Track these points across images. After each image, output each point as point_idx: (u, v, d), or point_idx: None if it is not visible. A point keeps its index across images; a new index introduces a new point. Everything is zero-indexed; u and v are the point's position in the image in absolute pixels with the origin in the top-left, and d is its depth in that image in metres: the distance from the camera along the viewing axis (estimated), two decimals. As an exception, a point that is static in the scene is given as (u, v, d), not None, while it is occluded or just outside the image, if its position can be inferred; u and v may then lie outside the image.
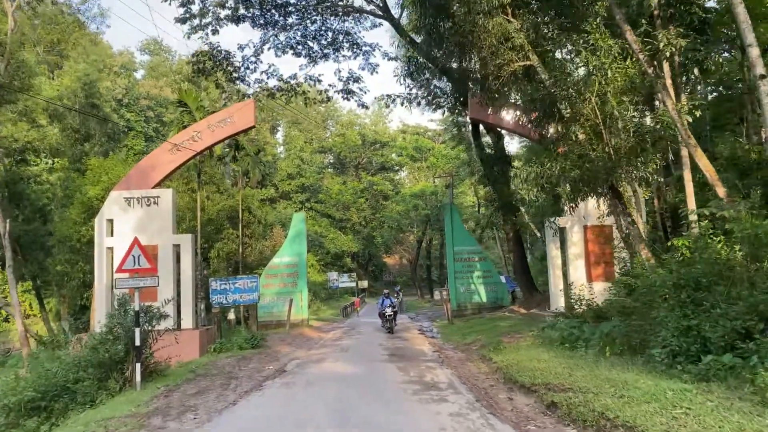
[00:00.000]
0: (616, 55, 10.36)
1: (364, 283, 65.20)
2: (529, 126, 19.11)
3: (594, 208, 19.02)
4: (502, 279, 28.93)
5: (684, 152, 13.25)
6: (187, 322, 19.08)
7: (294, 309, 27.16)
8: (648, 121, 11.73)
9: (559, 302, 18.77)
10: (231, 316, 29.88)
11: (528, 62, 12.00)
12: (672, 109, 11.39)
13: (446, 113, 30.92)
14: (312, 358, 14.89)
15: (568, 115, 11.56)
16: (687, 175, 13.43)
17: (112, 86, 60.20)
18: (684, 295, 8.28)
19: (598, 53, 10.09)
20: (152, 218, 19.27)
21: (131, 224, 19.17)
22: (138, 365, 11.33)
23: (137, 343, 11.42)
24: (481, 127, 26.30)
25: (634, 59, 11.39)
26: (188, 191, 26.37)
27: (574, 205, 13.73)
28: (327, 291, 61.20)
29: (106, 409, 9.44)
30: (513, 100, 14.95)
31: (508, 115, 19.34)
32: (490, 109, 19.36)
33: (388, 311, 21.05)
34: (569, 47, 10.40)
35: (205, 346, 18.26)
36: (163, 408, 9.03)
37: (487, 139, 28.06)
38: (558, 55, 12.69)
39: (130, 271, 11.97)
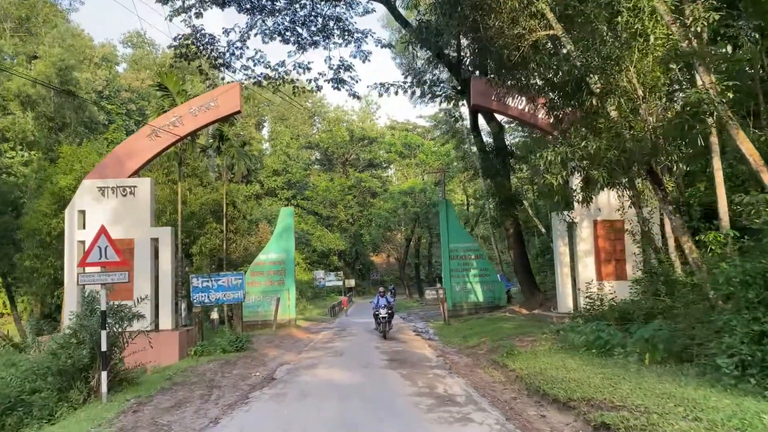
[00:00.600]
0: (659, 18, 9.06)
1: (351, 282, 63.78)
2: (539, 111, 17.93)
3: (605, 201, 17.84)
4: (498, 278, 27.68)
5: (713, 138, 12.03)
6: (165, 322, 17.59)
7: (281, 308, 25.71)
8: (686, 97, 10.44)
9: (567, 302, 17.51)
10: (214, 315, 28.57)
11: (551, 32, 10.68)
12: (710, 85, 10.13)
13: (442, 104, 29.55)
14: (303, 363, 13.47)
15: (598, 89, 10.25)
16: (716, 163, 12.14)
17: (93, 77, 58.25)
18: (752, 294, 6.99)
19: (640, 15, 8.79)
20: (128, 210, 17.75)
21: (105, 216, 17.61)
22: (104, 373, 9.84)
23: (103, 347, 9.92)
24: (480, 119, 25.03)
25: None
26: (168, 182, 24.77)
27: (588, 197, 12.48)
28: (313, 290, 59.72)
29: (60, 430, 7.94)
30: (525, 80, 13.54)
31: (513, 102, 18.05)
32: (494, 96, 18.11)
33: (383, 312, 18.62)
34: (602, 13, 9.07)
35: (185, 349, 16.78)
36: (130, 428, 7.57)
37: (485, 133, 26.79)
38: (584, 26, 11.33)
39: (96, 264, 10.46)
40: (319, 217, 67.14)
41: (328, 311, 41.84)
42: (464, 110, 32.03)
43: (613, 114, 9.98)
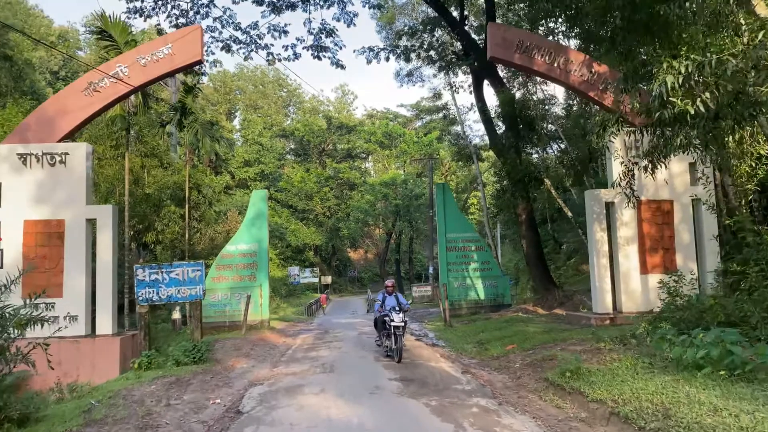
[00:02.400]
0: None
1: (328, 279, 60.26)
2: (572, 65, 14.68)
3: (649, 177, 14.65)
4: (501, 272, 24.35)
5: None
6: (104, 325, 13.96)
7: (252, 308, 22.01)
8: None
9: (605, 300, 14.27)
10: (176, 315, 24.86)
11: None
12: None
13: (439, 73, 26.16)
14: (281, 384, 9.94)
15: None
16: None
17: (48, 57, 53.67)
18: None
19: None
20: (58, 183, 14.04)
21: (27, 190, 13.96)
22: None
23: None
24: (485, 94, 21.68)
25: None
26: (118, 158, 20.85)
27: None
28: (288, 287, 56.02)
29: None
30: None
31: (541, 55, 14.74)
32: (517, 46, 14.78)
33: (396, 319, 11.82)
34: None
35: (129, 359, 13.12)
36: None
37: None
38: None
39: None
40: (294, 210, 63.41)
41: (304, 310, 38.22)
42: (462, 80, 28.49)
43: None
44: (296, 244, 60.53)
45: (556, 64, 14.77)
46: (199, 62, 14.86)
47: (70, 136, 14.41)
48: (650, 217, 14.49)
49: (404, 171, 60.27)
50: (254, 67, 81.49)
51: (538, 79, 21.81)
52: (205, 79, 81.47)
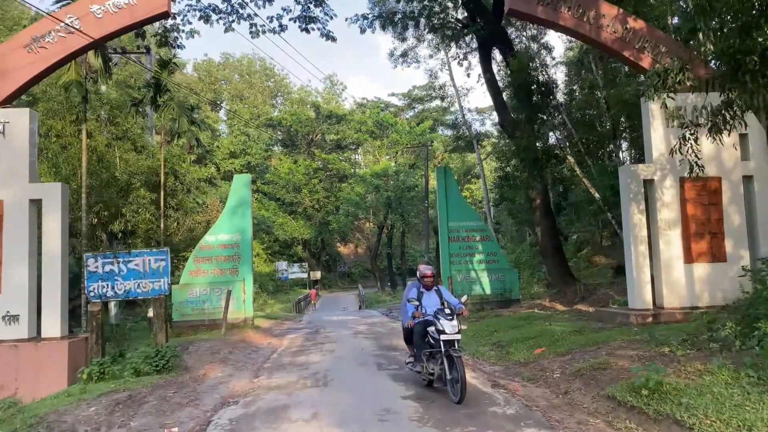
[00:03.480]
0: None
1: (317, 274, 58.04)
2: (605, 20, 12.59)
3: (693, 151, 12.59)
4: (508, 264, 22.20)
5: None
6: (51, 327, 11.69)
7: (234, 304, 19.79)
8: None
9: (643, 294, 12.19)
10: (152, 313, 22.74)
11: None
12: None
13: (441, 45, 23.88)
14: (262, 402, 7.76)
15: None
16: None
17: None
18: None
19: None
20: (-6, 156, 11.76)
21: (-45, 164, 11.63)
22: None
23: None
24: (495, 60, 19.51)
25: None
26: (79, 134, 18.34)
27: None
28: (275, 283, 53.74)
29: None
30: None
31: (568, 8, 12.61)
32: (538, 0, 12.64)
33: (449, 330, 7.43)
34: None
35: (79, 367, 10.87)
36: None
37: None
38: None
39: None
40: (281, 202, 60.93)
41: (292, 307, 36.01)
42: (462, 55, 26.30)
43: None
44: (284, 238, 58.17)
45: (585, 19, 12.63)
46: (166, 15, 12.52)
47: (10, 101, 12.09)
48: (695, 197, 12.42)
49: (396, 162, 57.96)
50: (241, 56, 79.06)
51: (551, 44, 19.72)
52: (189, 69, 79.00)
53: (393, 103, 62.44)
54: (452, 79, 29.73)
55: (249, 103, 76.77)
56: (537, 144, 15.14)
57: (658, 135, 12.56)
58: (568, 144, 14.30)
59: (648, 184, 12.59)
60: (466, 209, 21.71)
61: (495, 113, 23.61)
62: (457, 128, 33.57)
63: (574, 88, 18.25)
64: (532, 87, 15.44)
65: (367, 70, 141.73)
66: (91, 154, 17.90)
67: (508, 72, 17.99)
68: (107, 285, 10.66)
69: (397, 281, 55.44)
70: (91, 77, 15.81)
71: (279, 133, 66.97)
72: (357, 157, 72.78)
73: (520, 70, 15.79)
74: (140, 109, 24.09)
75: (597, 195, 14.05)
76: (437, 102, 43.55)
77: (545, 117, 15.57)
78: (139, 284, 10.80)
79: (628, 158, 19.12)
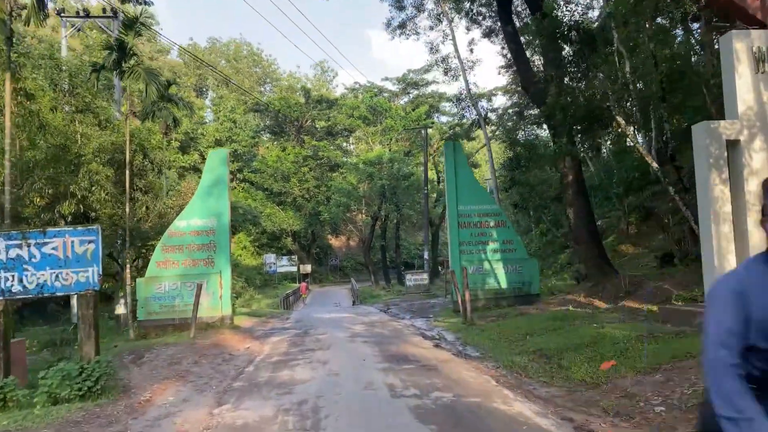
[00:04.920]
0: None
1: (308, 268, 54.98)
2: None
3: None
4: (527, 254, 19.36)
5: None
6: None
7: (209, 301, 17.01)
8: None
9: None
10: (121, 309, 19.97)
11: None
12: None
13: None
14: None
15: None
16: None
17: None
18: None
19: None
20: None
21: None
22: None
23: None
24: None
25: None
26: (19, 96, 15.15)
27: None
28: (262, 276, 50.75)
29: None
30: None
31: None
32: None
33: None
34: None
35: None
36: None
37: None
38: None
39: None
40: (269, 192, 57.81)
41: (280, 302, 33.08)
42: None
43: None
44: (272, 229, 55.15)
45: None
46: None
47: None
48: (792, 163, 9.65)
49: (390, 149, 54.96)
50: (228, 40, 76.01)
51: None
52: (174, 54, 75.69)
53: (387, 88, 59.46)
54: (456, 50, 26.73)
55: (234, 90, 73.58)
56: (579, 101, 12.22)
57: (744, 83, 9.74)
58: (618, 100, 11.48)
59: (731, 146, 9.78)
60: (478, 191, 18.90)
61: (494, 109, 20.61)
62: (461, 104, 30.53)
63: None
64: (570, 33, 12.53)
65: (358, 63, 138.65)
66: (28, 119, 14.82)
67: (530, 25, 15.03)
68: (12, 277, 7.71)
69: (391, 275, 52.58)
70: (17, 14, 12.77)
71: (267, 119, 63.77)
72: (350, 146, 69.77)
73: (552, 17, 12.84)
74: (101, 77, 20.98)
75: (654, 165, 11.28)
76: (437, 76, 40.65)
77: (587, 69, 12.69)
78: (58, 275, 7.86)
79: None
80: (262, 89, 77.45)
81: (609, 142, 17.81)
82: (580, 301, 14.19)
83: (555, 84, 13.16)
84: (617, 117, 11.32)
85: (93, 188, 16.18)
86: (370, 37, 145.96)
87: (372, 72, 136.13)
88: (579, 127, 12.45)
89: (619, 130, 12.16)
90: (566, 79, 13.41)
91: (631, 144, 13.25)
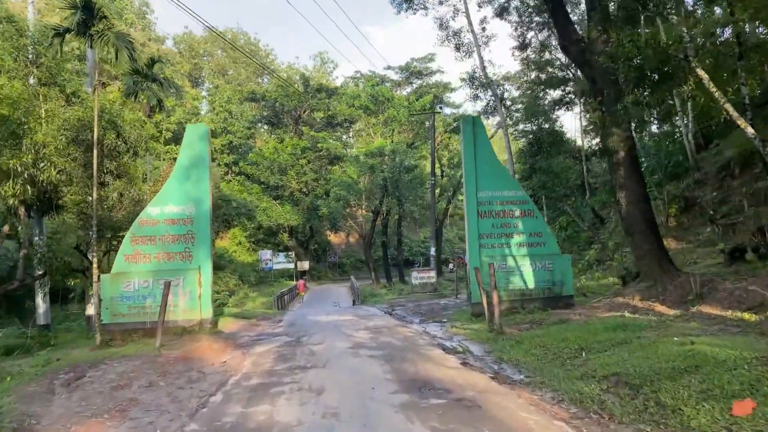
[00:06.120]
0: None
1: (305, 265, 52.29)
2: None
3: None
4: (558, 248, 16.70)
5: None
6: None
7: (185, 301, 14.49)
8: None
9: None
10: (90, 310, 17.75)
11: None
12: None
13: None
14: None
15: None
16: None
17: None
18: None
19: None
20: None
21: None
22: None
23: None
24: None
25: None
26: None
27: None
28: (258, 274, 48.17)
29: None
30: None
31: None
32: None
33: None
34: None
35: None
36: None
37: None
38: None
39: None
40: (265, 186, 55.15)
41: (274, 302, 30.46)
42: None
43: None
44: (268, 224, 52.49)
45: None
46: None
47: None
48: None
49: (392, 140, 52.24)
50: (224, 29, 73.39)
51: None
52: (169, 43, 73.03)
53: (390, 77, 56.77)
54: (470, 21, 24.12)
55: (230, 80, 70.97)
56: (646, 52, 9.57)
57: None
58: (698, 48, 8.94)
59: None
60: (501, 174, 16.25)
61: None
62: (474, 83, 27.83)
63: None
64: None
65: (359, 55, 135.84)
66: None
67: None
68: None
69: (392, 273, 49.95)
70: None
71: (264, 109, 61.04)
72: (350, 139, 67.09)
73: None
74: (73, 47, 18.30)
75: (750, 130, 8.73)
76: (442, 64, 37.91)
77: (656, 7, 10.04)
78: None
79: None
80: (260, 81, 74.85)
81: (654, 119, 15.22)
82: (636, 306, 11.55)
83: (615, 30, 10.49)
84: (697, 70, 8.76)
85: (41, 165, 13.49)
86: (368, 32, 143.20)
87: (372, 67, 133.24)
88: (647, 84, 9.86)
89: (693, 86, 9.54)
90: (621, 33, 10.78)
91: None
